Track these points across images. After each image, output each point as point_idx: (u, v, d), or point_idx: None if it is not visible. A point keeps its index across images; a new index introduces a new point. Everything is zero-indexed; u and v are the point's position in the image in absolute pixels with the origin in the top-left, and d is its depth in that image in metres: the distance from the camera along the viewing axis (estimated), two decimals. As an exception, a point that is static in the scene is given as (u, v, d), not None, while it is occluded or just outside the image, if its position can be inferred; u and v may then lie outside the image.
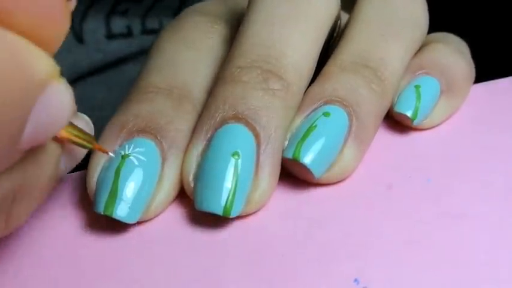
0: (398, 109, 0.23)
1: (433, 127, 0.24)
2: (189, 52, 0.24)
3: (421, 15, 0.25)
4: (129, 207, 0.20)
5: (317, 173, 0.21)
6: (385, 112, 0.23)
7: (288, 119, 0.21)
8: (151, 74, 0.23)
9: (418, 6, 0.25)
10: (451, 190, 0.22)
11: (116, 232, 0.20)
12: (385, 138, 0.23)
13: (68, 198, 0.22)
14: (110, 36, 0.38)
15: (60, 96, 0.15)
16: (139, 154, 0.20)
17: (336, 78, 0.22)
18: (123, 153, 0.21)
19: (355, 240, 0.20)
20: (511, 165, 0.23)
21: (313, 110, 0.22)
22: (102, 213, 0.20)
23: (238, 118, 0.21)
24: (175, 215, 0.21)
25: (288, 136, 0.22)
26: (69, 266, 0.20)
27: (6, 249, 0.20)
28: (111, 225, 0.20)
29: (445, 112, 0.25)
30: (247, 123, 0.21)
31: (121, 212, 0.20)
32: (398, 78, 0.23)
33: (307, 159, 0.21)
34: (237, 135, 0.20)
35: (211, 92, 0.22)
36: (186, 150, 0.21)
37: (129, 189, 0.20)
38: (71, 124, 0.19)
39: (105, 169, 0.21)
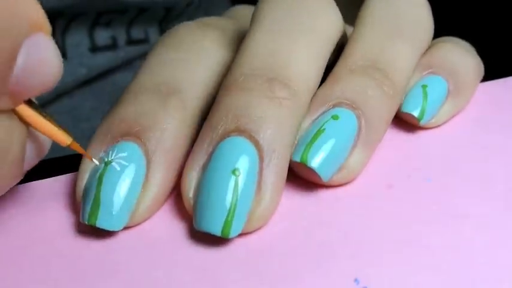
0: (405, 109, 0.24)
1: (439, 126, 0.24)
2: (178, 53, 0.23)
3: (426, 17, 0.25)
4: (113, 216, 0.19)
5: (325, 176, 0.21)
6: (394, 113, 0.23)
7: (294, 130, 0.21)
8: (139, 75, 0.23)
9: (422, 9, 0.25)
10: (451, 190, 0.22)
11: (116, 232, 0.20)
12: (385, 138, 0.23)
13: (68, 198, 0.22)
14: (94, 49, 0.37)
15: (49, 49, 0.17)
16: (122, 159, 0.20)
17: (345, 80, 0.22)
18: (106, 159, 0.20)
19: (355, 240, 0.20)
20: (511, 165, 0.23)
21: (321, 113, 0.22)
22: (86, 223, 0.20)
23: (240, 131, 0.20)
24: (175, 215, 0.21)
25: (297, 139, 0.21)
26: (69, 266, 0.20)
27: (6, 249, 0.20)
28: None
29: (452, 111, 0.25)
30: (250, 137, 0.20)
31: (104, 221, 0.19)
32: (407, 79, 0.23)
33: (314, 163, 0.20)
34: (239, 150, 0.20)
35: (215, 100, 0.21)
36: (186, 164, 0.21)
37: (111, 196, 0.20)
38: (49, 116, 0.19)
39: (90, 177, 0.20)
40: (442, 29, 0.27)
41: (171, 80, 0.22)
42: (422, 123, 0.24)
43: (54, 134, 0.19)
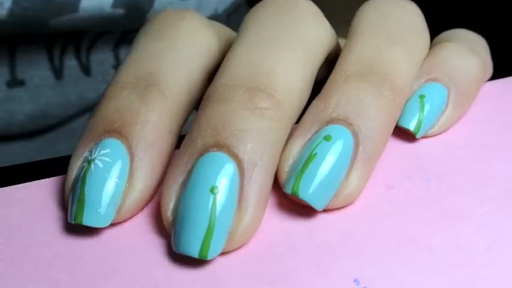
0: (400, 123, 0.23)
1: (440, 134, 0.24)
2: (159, 42, 0.22)
3: (420, 23, 0.24)
4: (98, 213, 0.19)
5: (319, 206, 0.20)
6: (396, 120, 0.22)
7: (279, 142, 0.20)
8: (120, 71, 0.22)
9: (415, 16, 0.24)
10: (451, 190, 0.22)
11: (116, 232, 0.20)
12: (385, 138, 0.23)
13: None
14: (118, 66, 0.37)
15: None
16: (105, 156, 0.20)
17: (341, 89, 0.21)
18: (89, 158, 0.20)
19: (355, 240, 0.20)
20: (511, 165, 0.23)
21: (315, 132, 0.20)
22: (73, 222, 0.20)
23: (220, 145, 0.19)
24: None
25: (289, 164, 0.20)
26: (69, 266, 0.20)
27: (6, 249, 0.20)
28: (111, 225, 0.20)
29: (452, 119, 0.24)
30: (230, 151, 0.19)
31: (90, 218, 0.19)
32: (408, 83, 0.22)
33: (306, 194, 0.19)
34: (217, 166, 0.19)
35: (196, 113, 0.20)
36: (165, 182, 0.20)
37: (95, 194, 0.19)
38: None
39: (75, 177, 0.20)
40: (442, 29, 0.27)
41: (150, 72, 0.21)
42: (418, 136, 0.23)
43: None
